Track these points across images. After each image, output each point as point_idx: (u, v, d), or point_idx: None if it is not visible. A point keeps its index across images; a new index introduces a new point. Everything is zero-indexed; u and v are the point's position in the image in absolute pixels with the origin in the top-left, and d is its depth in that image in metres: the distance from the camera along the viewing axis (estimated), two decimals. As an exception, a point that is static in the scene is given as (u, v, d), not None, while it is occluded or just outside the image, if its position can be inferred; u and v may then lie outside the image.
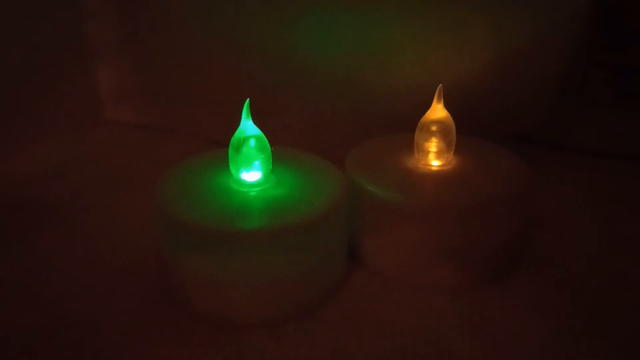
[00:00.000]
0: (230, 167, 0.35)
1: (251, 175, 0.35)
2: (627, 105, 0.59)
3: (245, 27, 0.50)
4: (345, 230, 0.37)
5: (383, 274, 0.38)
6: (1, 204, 0.47)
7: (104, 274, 0.38)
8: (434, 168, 0.39)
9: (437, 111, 0.38)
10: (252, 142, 0.35)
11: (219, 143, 0.39)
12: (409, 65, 0.48)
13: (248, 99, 0.35)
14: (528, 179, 0.38)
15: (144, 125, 0.63)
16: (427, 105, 0.39)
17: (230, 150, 0.35)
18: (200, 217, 0.32)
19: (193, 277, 0.34)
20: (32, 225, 0.44)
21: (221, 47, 0.52)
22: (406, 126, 0.40)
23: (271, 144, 0.35)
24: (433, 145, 0.38)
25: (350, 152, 0.41)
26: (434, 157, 0.39)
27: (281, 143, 0.37)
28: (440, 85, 0.38)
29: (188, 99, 0.58)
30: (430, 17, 0.46)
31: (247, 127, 0.35)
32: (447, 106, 0.38)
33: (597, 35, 0.57)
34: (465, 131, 0.39)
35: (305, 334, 0.33)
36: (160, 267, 0.36)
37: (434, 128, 0.38)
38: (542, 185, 0.50)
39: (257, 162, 0.35)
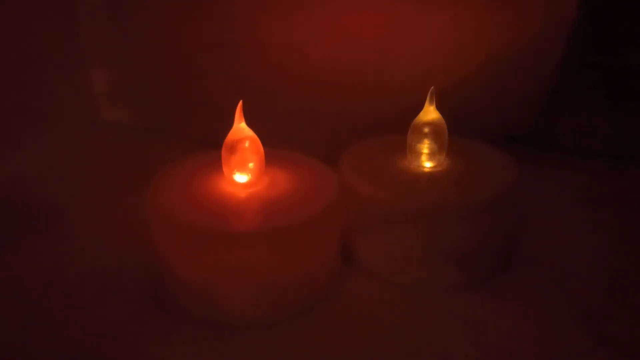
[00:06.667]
0: (224, 169, 0.35)
1: (244, 176, 0.35)
2: (618, 107, 0.59)
3: (239, 28, 0.50)
4: (339, 231, 0.37)
5: (377, 274, 0.38)
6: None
7: (98, 274, 0.38)
8: (426, 169, 0.39)
9: (429, 113, 0.39)
10: (245, 144, 0.35)
11: (212, 144, 0.39)
12: (401, 68, 0.48)
13: (241, 101, 0.35)
14: (520, 179, 0.38)
15: (137, 126, 0.63)
16: (420, 107, 0.39)
17: (224, 152, 0.35)
18: (194, 218, 0.32)
19: (187, 278, 0.34)
20: (25, 226, 0.44)
21: (215, 48, 0.52)
22: (399, 128, 0.40)
23: (264, 146, 0.35)
24: (425, 146, 0.39)
25: (343, 153, 0.41)
26: (426, 159, 0.39)
27: (274, 144, 0.38)
28: (433, 87, 0.39)
29: (181, 100, 0.58)
30: (423, 18, 0.47)
31: (240, 128, 0.35)
32: (439, 108, 0.39)
33: (589, 36, 0.58)
34: (457, 132, 0.40)
35: (300, 334, 0.33)
36: (154, 268, 0.36)
37: (426, 130, 0.38)
38: (534, 186, 0.50)
39: (250, 164, 0.35)
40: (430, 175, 0.38)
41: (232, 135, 0.35)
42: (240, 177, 0.35)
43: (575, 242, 0.42)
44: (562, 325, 0.34)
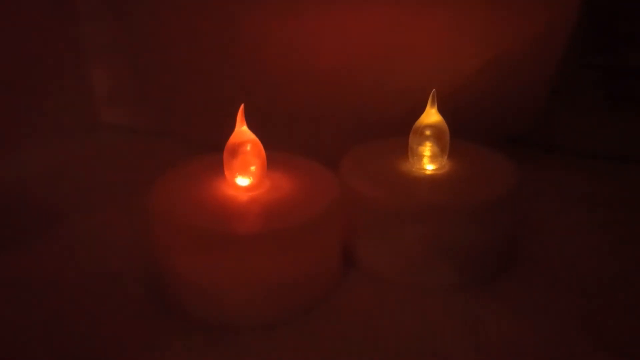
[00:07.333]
0: (226, 172, 0.35)
1: (246, 179, 0.35)
2: (618, 107, 0.59)
3: (241, 30, 0.50)
4: (340, 233, 0.37)
5: (377, 276, 0.38)
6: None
7: (99, 277, 0.38)
8: (428, 172, 0.39)
9: (431, 115, 0.39)
10: (247, 147, 0.35)
11: (213, 147, 0.39)
12: (403, 70, 0.48)
13: (242, 104, 0.35)
14: (521, 181, 0.38)
15: (139, 128, 0.63)
16: (421, 110, 0.39)
17: (226, 155, 0.35)
18: (195, 221, 0.32)
19: (188, 280, 0.34)
20: (27, 228, 0.44)
21: (216, 50, 0.52)
22: (400, 130, 0.40)
23: (266, 149, 0.36)
24: (427, 149, 0.39)
25: (344, 155, 0.41)
26: (428, 161, 0.39)
27: (276, 147, 0.38)
28: (434, 89, 0.39)
29: (183, 103, 0.58)
30: (424, 21, 0.47)
31: (242, 132, 0.35)
32: (441, 110, 0.39)
33: (589, 37, 0.58)
34: (458, 135, 0.40)
35: (301, 336, 0.33)
36: (156, 270, 0.36)
37: (427, 132, 0.38)
38: (534, 186, 0.50)
39: (252, 167, 0.35)
40: (432, 178, 0.38)
41: (233, 138, 0.35)
42: (242, 181, 0.35)
43: (575, 243, 0.43)
44: (562, 326, 0.34)
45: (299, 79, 0.50)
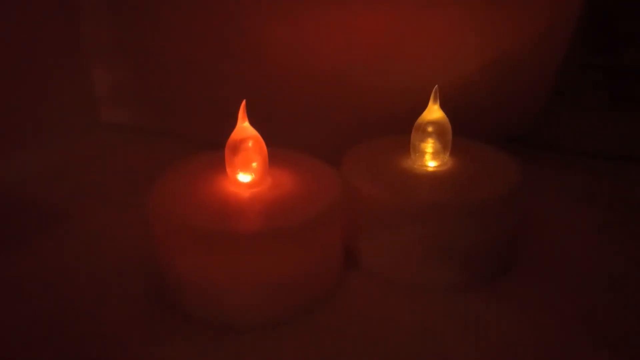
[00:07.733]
0: (227, 168, 0.35)
1: (248, 176, 0.35)
2: (619, 107, 0.60)
3: (241, 29, 0.50)
4: (341, 232, 0.37)
5: (380, 274, 0.38)
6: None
7: (100, 276, 0.38)
8: (430, 169, 0.39)
9: (433, 112, 0.38)
10: (248, 144, 0.35)
11: (215, 145, 0.39)
12: (404, 70, 0.48)
13: (244, 101, 0.35)
14: (522, 180, 0.38)
15: (140, 127, 0.63)
16: (423, 106, 0.39)
17: (227, 152, 0.35)
18: (196, 219, 0.32)
19: (189, 279, 0.34)
20: (29, 227, 0.44)
21: (218, 48, 0.52)
22: (402, 127, 0.40)
23: (267, 145, 0.35)
24: (429, 146, 0.38)
25: (346, 153, 0.41)
26: (430, 158, 0.39)
27: (277, 144, 0.38)
28: (436, 86, 0.38)
29: (184, 101, 0.58)
30: (425, 21, 0.47)
31: (244, 128, 0.35)
32: (443, 107, 0.39)
33: (589, 37, 0.58)
34: (461, 132, 0.40)
35: (302, 335, 0.33)
36: (157, 270, 0.36)
37: (430, 129, 0.38)
38: (534, 186, 0.50)
39: (253, 163, 0.35)
40: (434, 175, 0.38)
41: (235, 134, 0.35)
42: (244, 177, 0.35)
43: (576, 243, 0.43)
44: (562, 325, 0.34)
45: (300, 78, 0.50)
